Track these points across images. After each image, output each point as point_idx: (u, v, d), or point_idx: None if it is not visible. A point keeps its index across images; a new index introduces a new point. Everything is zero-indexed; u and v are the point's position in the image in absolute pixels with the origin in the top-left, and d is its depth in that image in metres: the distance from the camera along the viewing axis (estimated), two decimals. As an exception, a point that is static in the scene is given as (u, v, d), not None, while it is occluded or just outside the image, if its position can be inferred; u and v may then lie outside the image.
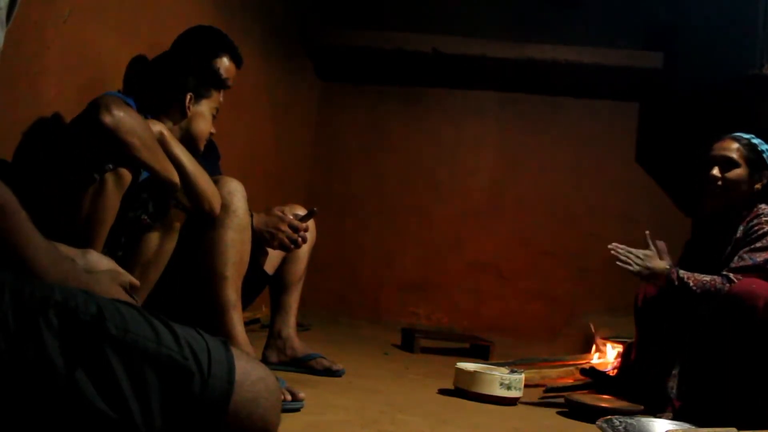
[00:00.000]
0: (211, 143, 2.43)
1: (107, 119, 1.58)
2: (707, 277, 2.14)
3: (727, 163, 2.26)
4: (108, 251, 1.69)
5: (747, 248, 2.16)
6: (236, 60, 2.36)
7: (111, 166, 1.64)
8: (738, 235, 2.23)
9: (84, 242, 1.52)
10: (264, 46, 3.88)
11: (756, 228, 2.18)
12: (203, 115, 2.03)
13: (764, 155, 2.26)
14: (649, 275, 2.23)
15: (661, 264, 2.23)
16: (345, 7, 4.81)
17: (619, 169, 4.63)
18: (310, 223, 2.36)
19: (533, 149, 4.76)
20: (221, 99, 2.11)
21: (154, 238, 1.80)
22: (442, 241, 4.73)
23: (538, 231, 4.65)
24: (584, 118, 4.72)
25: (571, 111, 4.74)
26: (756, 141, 2.29)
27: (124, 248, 1.80)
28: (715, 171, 2.27)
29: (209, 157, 2.37)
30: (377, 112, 4.90)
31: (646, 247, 2.29)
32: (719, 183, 2.26)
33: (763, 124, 3.19)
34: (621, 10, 4.55)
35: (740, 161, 2.25)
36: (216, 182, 1.94)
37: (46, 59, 1.92)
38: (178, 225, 1.84)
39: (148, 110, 1.92)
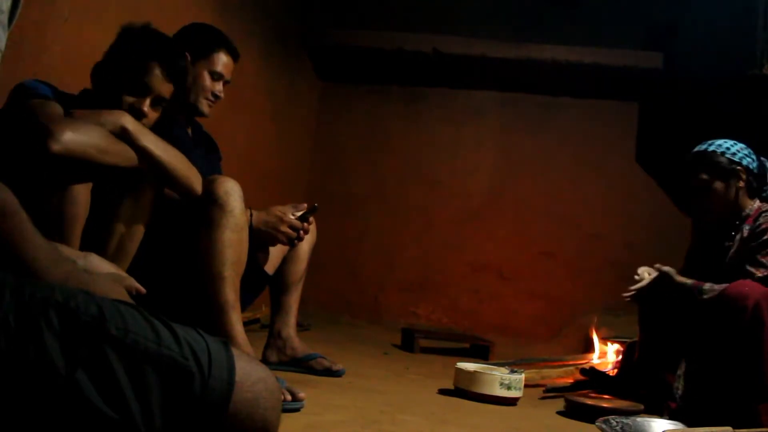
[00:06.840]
0: (211, 143, 2.43)
1: (55, 147, 1.45)
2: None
3: (702, 191, 2.30)
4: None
5: (764, 250, 2.14)
6: (232, 53, 2.28)
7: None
8: (744, 234, 2.23)
9: (58, 242, 1.42)
10: (264, 46, 3.88)
11: (763, 227, 2.17)
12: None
13: (727, 155, 2.27)
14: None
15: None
16: (345, 7, 4.81)
17: (619, 169, 4.63)
18: (312, 224, 2.35)
19: (533, 149, 4.76)
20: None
21: (124, 208, 1.74)
22: (442, 241, 4.73)
23: (538, 231, 4.65)
24: (584, 118, 4.72)
25: (571, 111, 4.74)
26: (713, 149, 2.29)
27: (96, 222, 1.72)
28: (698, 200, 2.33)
29: (210, 157, 2.37)
30: (377, 112, 4.90)
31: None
32: (709, 214, 2.32)
33: (763, 124, 3.19)
34: (621, 10, 4.55)
35: (709, 180, 2.28)
36: (212, 182, 1.92)
37: (46, 59, 1.92)
38: (149, 194, 1.78)
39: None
